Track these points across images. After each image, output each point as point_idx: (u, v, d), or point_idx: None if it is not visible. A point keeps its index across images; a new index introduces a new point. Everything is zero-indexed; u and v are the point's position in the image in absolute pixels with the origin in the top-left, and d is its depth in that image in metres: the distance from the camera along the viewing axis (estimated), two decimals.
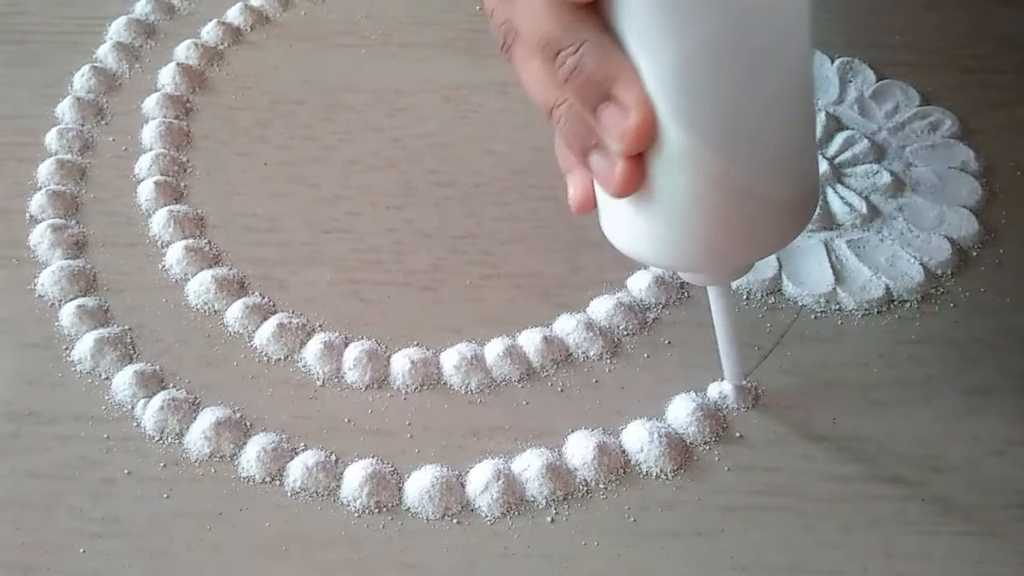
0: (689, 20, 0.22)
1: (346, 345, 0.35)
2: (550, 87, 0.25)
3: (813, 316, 0.36)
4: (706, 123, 0.24)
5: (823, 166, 0.40)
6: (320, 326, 0.36)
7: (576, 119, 0.25)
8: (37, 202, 0.39)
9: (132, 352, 0.35)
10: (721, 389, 0.34)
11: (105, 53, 0.46)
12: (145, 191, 0.40)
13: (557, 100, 0.25)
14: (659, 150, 0.24)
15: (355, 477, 0.31)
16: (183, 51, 0.46)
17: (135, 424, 0.33)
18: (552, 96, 0.25)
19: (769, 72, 0.24)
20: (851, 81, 0.45)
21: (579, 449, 0.32)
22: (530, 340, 0.35)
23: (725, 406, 0.34)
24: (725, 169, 0.24)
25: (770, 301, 0.37)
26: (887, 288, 0.37)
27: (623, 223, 0.27)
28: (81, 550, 0.30)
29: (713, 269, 0.28)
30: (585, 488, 0.32)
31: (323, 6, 0.49)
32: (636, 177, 0.25)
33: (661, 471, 0.32)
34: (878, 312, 0.36)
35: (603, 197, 0.27)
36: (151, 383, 0.34)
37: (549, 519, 0.31)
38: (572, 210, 0.29)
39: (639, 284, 0.37)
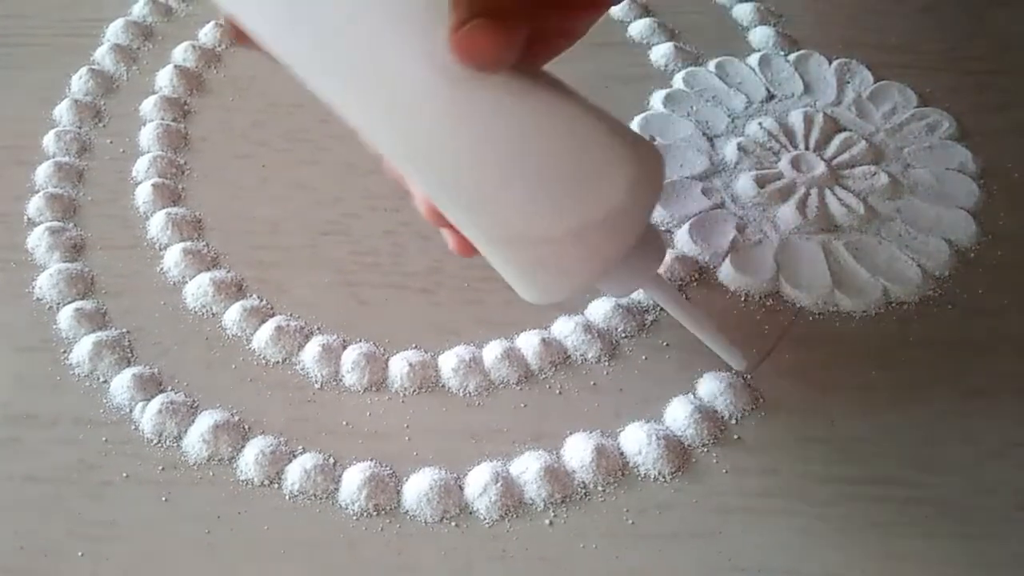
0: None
1: (344, 348, 0.35)
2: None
3: (811, 318, 0.36)
4: (437, 190, 0.26)
5: (820, 167, 0.40)
6: (318, 329, 0.36)
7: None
8: (35, 205, 0.39)
9: (130, 355, 0.35)
10: (714, 385, 0.34)
11: (103, 55, 0.46)
12: (143, 193, 0.40)
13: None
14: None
15: (353, 480, 0.31)
16: (181, 53, 0.46)
17: (133, 427, 0.33)
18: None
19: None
20: (849, 82, 0.45)
21: (577, 451, 0.32)
22: (528, 342, 0.35)
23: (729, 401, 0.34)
24: (477, 225, 0.26)
25: (768, 303, 0.37)
26: (885, 290, 0.37)
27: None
28: (80, 553, 0.30)
29: (552, 300, 0.27)
30: (583, 490, 0.32)
31: None
32: (460, 242, 0.28)
33: (659, 473, 0.32)
34: (876, 314, 0.36)
35: None
36: (149, 386, 0.34)
37: (547, 521, 0.31)
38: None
39: None
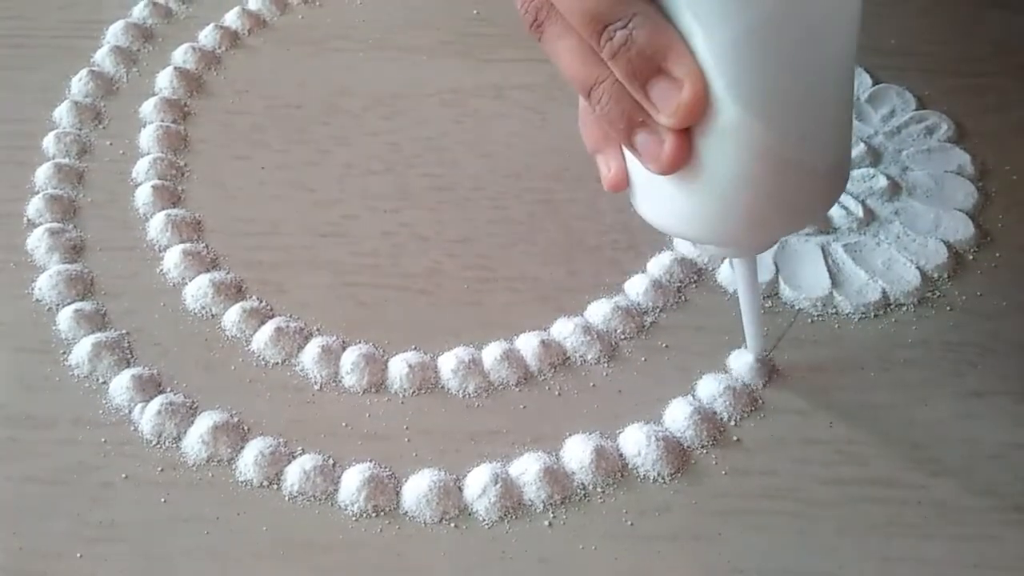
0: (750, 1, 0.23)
1: (344, 349, 0.35)
2: (590, 64, 0.25)
3: (810, 320, 0.36)
4: (758, 97, 0.24)
5: None
6: (318, 330, 0.36)
7: (620, 96, 0.25)
8: (35, 206, 0.39)
9: (130, 356, 0.35)
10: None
11: (103, 57, 0.46)
12: (143, 195, 0.40)
13: (599, 77, 0.25)
14: (708, 124, 0.24)
15: (353, 481, 0.31)
16: (181, 55, 0.46)
17: (132, 428, 0.33)
18: (593, 73, 0.25)
19: (821, 45, 0.24)
20: None
21: (577, 453, 0.32)
22: (528, 344, 0.35)
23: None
24: (775, 141, 0.25)
25: (767, 305, 0.37)
26: (884, 292, 0.37)
27: (660, 199, 0.27)
28: (78, 555, 0.30)
29: (751, 242, 0.29)
30: (583, 492, 0.32)
31: (320, 10, 0.49)
32: (685, 152, 0.25)
33: (658, 475, 0.32)
34: (875, 316, 0.36)
35: (638, 174, 0.27)
36: (149, 387, 0.34)
37: (547, 523, 0.31)
38: (606, 189, 0.28)
39: (636, 288, 0.37)
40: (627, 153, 0.27)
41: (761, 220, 0.27)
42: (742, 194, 0.26)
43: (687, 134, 0.25)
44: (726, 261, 0.38)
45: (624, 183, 0.28)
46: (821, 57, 0.25)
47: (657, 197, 0.27)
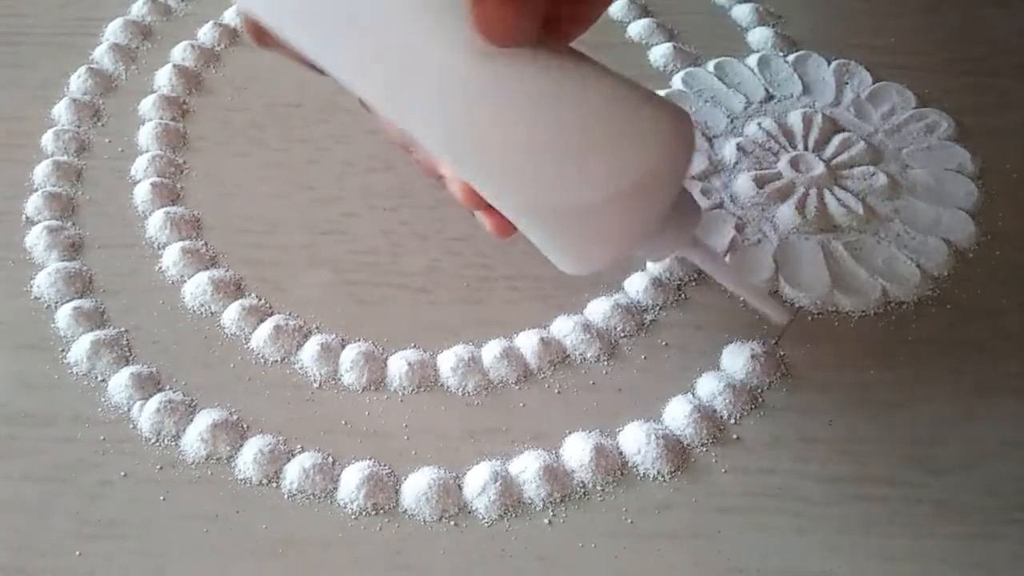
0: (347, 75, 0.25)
1: (343, 347, 0.35)
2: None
3: (810, 318, 0.36)
4: (468, 169, 0.26)
5: (819, 167, 0.40)
6: (317, 328, 0.36)
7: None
8: (33, 204, 0.39)
9: (128, 354, 0.35)
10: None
11: (101, 55, 0.46)
12: (141, 193, 0.40)
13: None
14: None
15: (352, 479, 0.31)
16: (179, 53, 0.46)
17: (132, 426, 0.33)
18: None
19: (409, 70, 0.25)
20: (847, 83, 0.45)
21: (576, 451, 0.32)
22: (527, 342, 0.35)
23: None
24: (515, 200, 0.26)
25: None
26: (884, 290, 0.37)
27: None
28: (77, 553, 0.30)
29: (590, 270, 0.28)
30: (582, 490, 0.32)
31: None
32: (498, 222, 0.29)
33: (658, 473, 0.32)
34: (875, 314, 0.36)
35: None
36: (148, 385, 0.34)
37: (546, 521, 0.31)
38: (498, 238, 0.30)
39: (636, 286, 0.37)
40: None
41: (581, 257, 0.27)
42: (544, 243, 0.27)
43: (491, 208, 0.28)
44: (726, 260, 0.38)
45: (507, 231, 0.29)
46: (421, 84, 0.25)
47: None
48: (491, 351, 0.35)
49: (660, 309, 0.37)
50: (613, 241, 0.26)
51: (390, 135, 0.30)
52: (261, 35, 0.27)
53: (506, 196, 0.26)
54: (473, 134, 0.25)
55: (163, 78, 0.45)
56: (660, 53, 0.47)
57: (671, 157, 0.25)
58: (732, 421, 0.33)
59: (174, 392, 0.34)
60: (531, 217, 0.27)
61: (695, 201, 0.29)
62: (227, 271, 0.37)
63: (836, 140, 0.42)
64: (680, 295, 0.37)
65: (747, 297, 0.33)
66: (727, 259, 0.37)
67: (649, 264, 0.38)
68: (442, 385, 0.34)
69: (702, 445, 0.33)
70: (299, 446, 0.33)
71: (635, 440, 0.32)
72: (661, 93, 0.40)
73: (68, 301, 0.36)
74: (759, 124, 0.42)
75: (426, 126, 0.26)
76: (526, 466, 0.32)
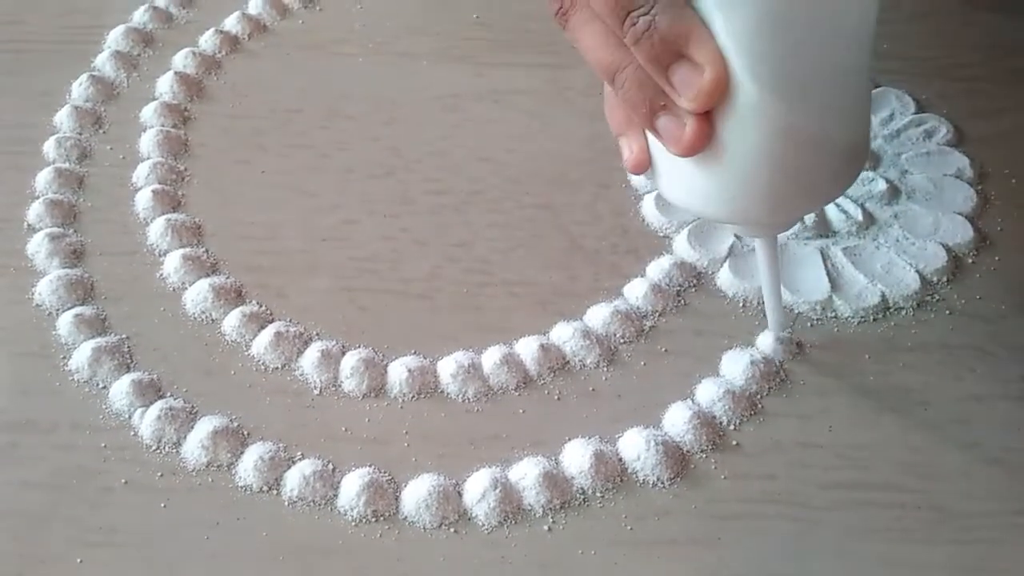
0: None
1: (343, 353, 0.35)
2: (614, 50, 0.26)
3: (809, 323, 0.36)
4: (777, 78, 0.25)
5: None
6: (317, 334, 0.36)
7: (643, 81, 0.26)
8: (35, 211, 0.39)
9: (129, 361, 0.35)
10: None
11: (103, 62, 0.46)
12: (143, 200, 0.40)
13: (622, 63, 0.26)
14: (729, 106, 0.25)
15: (352, 486, 0.31)
16: (181, 60, 0.46)
17: (132, 433, 0.33)
18: (616, 59, 0.26)
19: (838, 26, 0.25)
20: None
21: (576, 457, 0.32)
22: (527, 348, 0.35)
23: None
24: (795, 121, 0.26)
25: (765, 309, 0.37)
26: (883, 295, 0.37)
27: (683, 180, 0.28)
28: (78, 560, 0.30)
29: (772, 219, 0.30)
30: (582, 496, 0.32)
31: (321, 15, 0.49)
32: (706, 134, 0.25)
33: (658, 479, 0.32)
34: (874, 319, 0.36)
35: (660, 157, 0.28)
36: (148, 392, 0.34)
37: (546, 527, 0.31)
38: (628, 170, 0.29)
39: (636, 292, 0.37)
40: (650, 136, 0.28)
41: (782, 198, 0.28)
42: (762, 173, 0.27)
43: (708, 116, 0.26)
44: (725, 266, 0.38)
45: (645, 165, 0.28)
46: (838, 37, 0.25)
47: (679, 178, 0.28)
48: (491, 357, 0.35)
49: (659, 315, 0.37)
50: (820, 192, 0.29)
51: (615, 118, 0.29)
52: None
53: (799, 117, 0.26)
54: (813, 60, 0.25)
55: (164, 85, 0.45)
56: None
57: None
58: (732, 427, 0.33)
59: (175, 399, 0.34)
60: (786, 144, 0.26)
61: None
62: (228, 278, 0.38)
63: None
64: (680, 301, 0.37)
65: (769, 299, 0.34)
66: (728, 264, 0.38)
67: (649, 270, 0.38)
68: (442, 392, 0.34)
69: (702, 451, 0.33)
70: (299, 453, 0.33)
71: (635, 446, 0.32)
72: None
73: (69, 308, 0.36)
74: None
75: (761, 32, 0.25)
76: (526, 473, 0.32)
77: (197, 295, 0.37)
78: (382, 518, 0.31)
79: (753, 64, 0.25)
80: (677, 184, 0.28)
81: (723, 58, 0.24)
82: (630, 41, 0.25)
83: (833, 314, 0.36)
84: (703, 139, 0.26)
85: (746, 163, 0.26)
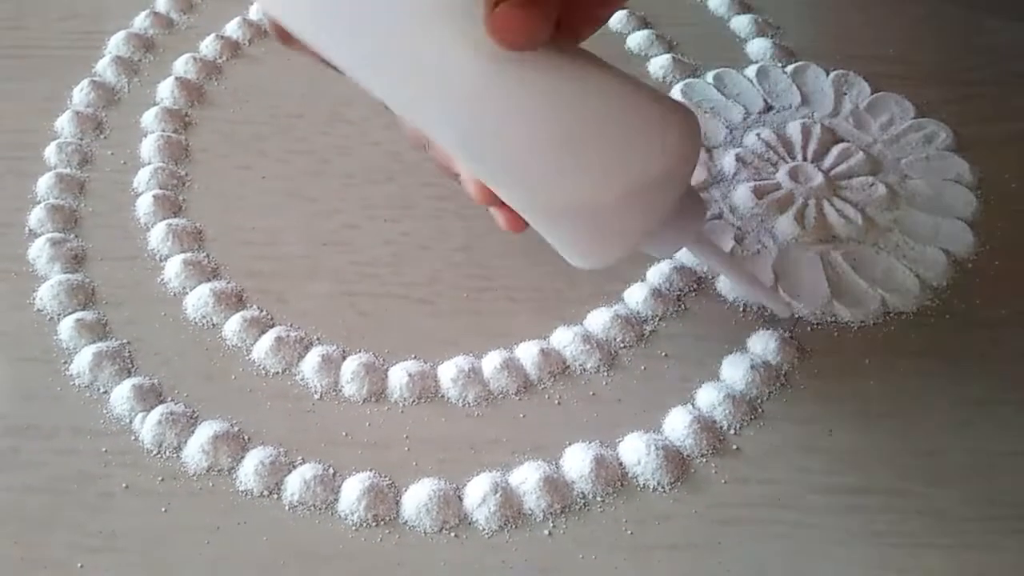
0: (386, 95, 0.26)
1: (344, 358, 0.35)
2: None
3: (809, 328, 0.36)
4: (486, 172, 0.27)
5: (818, 178, 0.40)
6: (318, 339, 0.36)
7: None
8: (36, 216, 0.39)
9: (130, 366, 0.35)
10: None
11: (104, 67, 0.46)
12: (144, 205, 0.40)
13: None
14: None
15: (353, 490, 0.31)
16: (182, 65, 0.46)
17: (133, 438, 0.33)
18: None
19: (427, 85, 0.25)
20: (846, 94, 0.45)
21: (576, 462, 0.32)
22: (527, 353, 0.35)
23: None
24: (528, 200, 0.27)
25: (766, 313, 0.37)
26: (883, 300, 0.37)
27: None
28: (79, 564, 0.30)
29: (600, 264, 0.29)
30: (582, 501, 0.32)
31: None
32: (511, 218, 0.30)
33: (658, 484, 0.32)
34: (874, 324, 0.36)
35: None
36: (149, 397, 0.34)
37: (547, 532, 0.31)
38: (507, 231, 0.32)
39: (636, 297, 0.37)
40: None
41: (590, 253, 0.29)
42: (556, 239, 0.29)
43: (504, 206, 0.29)
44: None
45: (519, 226, 0.31)
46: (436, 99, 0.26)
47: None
48: (491, 362, 0.35)
49: (660, 320, 0.37)
50: (623, 237, 0.28)
51: (407, 134, 0.31)
52: (285, 36, 0.27)
53: (518, 194, 0.27)
54: (486, 134, 0.26)
55: (165, 90, 0.45)
56: (659, 64, 0.47)
57: (679, 155, 0.26)
58: (732, 432, 0.33)
59: (176, 404, 0.34)
60: (542, 214, 0.27)
61: (700, 198, 0.30)
62: (229, 283, 0.38)
63: (835, 151, 0.42)
64: (680, 306, 0.37)
65: (752, 291, 0.34)
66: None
67: (649, 274, 0.38)
68: (442, 396, 0.34)
69: (702, 456, 0.33)
70: (300, 457, 0.33)
71: (635, 451, 0.32)
72: None
73: (70, 313, 0.36)
74: (758, 135, 0.43)
75: (441, 126, 0.26)
76: (526, 477, 0.32)
77: (198, 300, 0.37)
78: (383, 522, 0.31)
79: (472, 168, 0.27)
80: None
81: (469, 174, 0.28)
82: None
83: (833, 319, 0.37)
84: (512, 223, 0.30)
85: (553, 234, 0.28)
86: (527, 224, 0.29)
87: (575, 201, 0.26)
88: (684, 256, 0.38)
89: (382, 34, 0.25)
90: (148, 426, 0.33)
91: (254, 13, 0.49)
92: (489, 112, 0.25)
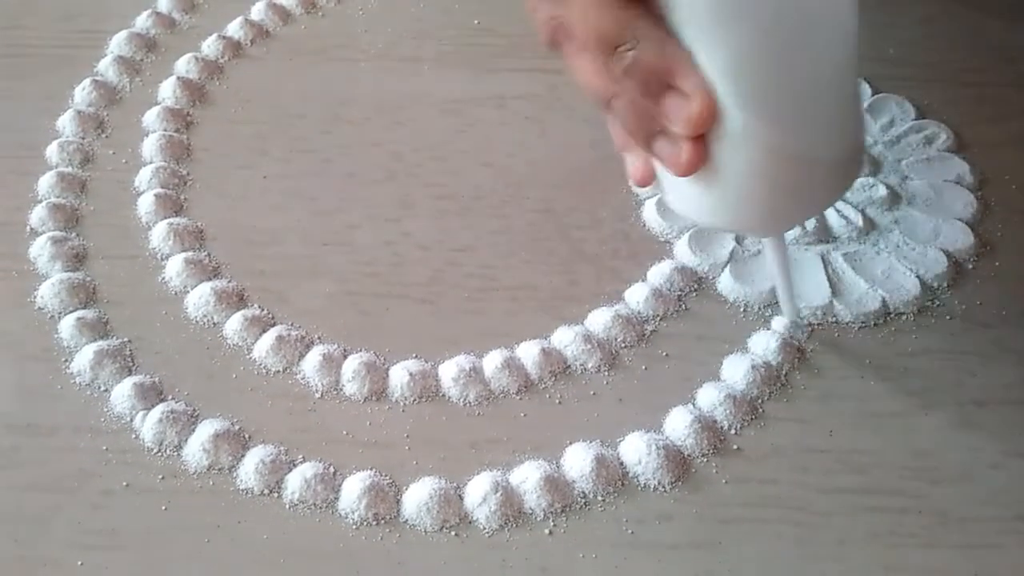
0: (744, 14, 0.24)
1: (345, 357, 0.35)
2: (606, 79, 0.26)
3: (810, 328, 0.36)
4: (763, 101, 0.26)
5: None
6: (319, 338, 0.36)
7: (636, 108, 0.26)
8: (37, 215, 0.40)
9: (131, 364, 0.35)
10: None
11: (106, 67, 0.46)
12: (145, 204, 0.40)
13: (614, 91, 0.26)
14: (720, 129, 0.26)
15: (353, 489, 0.31)
16: (184, 65, 0.46)
17: (134, 436, 0.33)
18: (609, 87, 0.26)
19: (818, 45, 0.26)
20: None
21: (577, 461, 0.32)
22: (528, 352, 0.35)
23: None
24: (782, 140, 0.27)
25: (767, 314, 0.37)
26: (883, 301, 0.37)
27: (686, 194, 0.29)
28: (79, 563, 0.30)
29: (770, 229, 0.32)
30: (583, 500, 0.32)
31: (323, 20, 0.50)
32: (700, 157, 0.26)
33: (659, 483, 0.32)
34: (874, 324, 0.37)
35: (663, 171, 0.29)
36: (150, 395, 0.34)
37: (547, 531, 0.31)
38: (633, 184, 0.30)
39: (637, 296, 0.37)
40: None
41: (778, 211, 0.29)
42: (758, 189, 0.28)
43: (702, 139, 0.26)
44: (726, 271, 0.38)
45: (649, 179, 0.29)
46: (819, 56, 0.26)
47: (683, 192, 0.29)
48: (492, 361, 0.35)
49: (661, 320, 0.37)
50: (814, 201, 0.30)
51: (617, 135, 0.29)
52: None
53: (778, 132, 0.27)
54: (793, 81, 0.26)
55: (167, 90, 0.45)
56: None
57: (864, 139, 0.30)
58: (733, 432, 0.33)
59: (176, 402, 0.34)
60: (780, 158, 0.27)
61: None
62: (230, 282, 0.38)
63: None
64: (680, 306, 0.37)
65: (781, 290, 0.35)
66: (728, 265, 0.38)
67: (650, 275, 0.38)
68: (443, 395, 0.34)
69: (703, 455, 0.33)
70: (300, 456, 0.33)
71: (636, 450, 0.32)
72: None
73: (71, 312, 0.36)
74: None
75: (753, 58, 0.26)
76: (527, 476, 0.32)
77: (199, 299, 0.37)
78: (383, 521, 0.31)
79: (738, 92, 0.25)
80: (681, 197, 0.30)
81: (708, 88, 0.25)
82: (619, 74, 0.25)
83: (834, 319, 0.37)
84: (698, 162, 0.26)
85: (741, 180, 0.27)
86: (654, 178, 0.29)
87: (812, 152, 0.27)
88: (684, 256, 0.38)
89: None
90: (149, 424, 0.33)
91: (256, 13, 0.49)
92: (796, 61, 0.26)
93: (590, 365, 0.35)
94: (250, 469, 0.32)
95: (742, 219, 0.30)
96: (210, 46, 0.48)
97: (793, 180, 0.28)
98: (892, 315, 0.37)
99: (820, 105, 0.27)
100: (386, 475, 0.32)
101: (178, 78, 0.45)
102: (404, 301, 0.37)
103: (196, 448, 0.32)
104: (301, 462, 0.32)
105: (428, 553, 0.30)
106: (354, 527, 0.31)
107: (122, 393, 0.34)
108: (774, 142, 0.26)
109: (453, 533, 0.31)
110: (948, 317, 0.37)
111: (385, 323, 0.37)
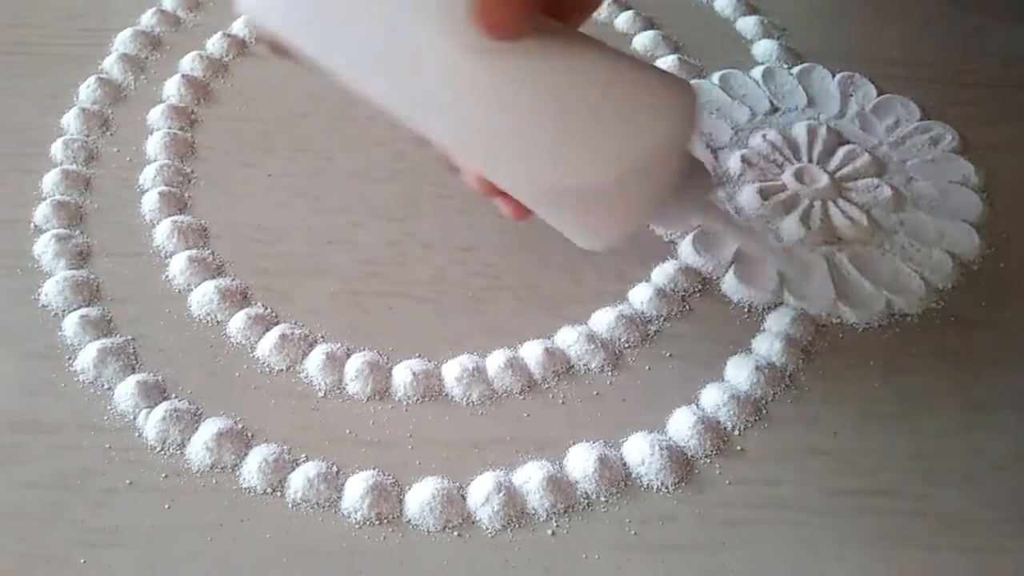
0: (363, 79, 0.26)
1: (348, 356, 0.35)
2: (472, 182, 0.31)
3: (815, 329, 0.36)
4: (478, 157, 0.27)
5: (823, 179, 0.40)
6: (322, 337, 0.36)
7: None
8: (42, 212, 0.40)
9: (135, 362, 0.35)
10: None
11: (111, 65, 0.46)
12: (149, 202, 0.40)
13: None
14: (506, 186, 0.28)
15: (356, 488, 0.31)
16: (188, 63, 0.46)
17: (137, 434, 0.33)
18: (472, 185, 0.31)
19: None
20: (852, 95, 0.45)
21: (580, 462, 0.32)
22: (531, 352, 0.35)
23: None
24: (521, 186, 0.27)
25: (770, 315, 0.37)
26: (888, 302, 0.37)
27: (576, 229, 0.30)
28: (82, 560, 0.30)
29: (624, 234, 0.29)
30: (586, 501, 0.32)
31: None
32: (515, 206, 0.30)
33: (662, 484, 0.32)
34: (879, 326, 0.36)
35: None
36: (153, 393, 0.34)
37: (550, 532, 0.31)
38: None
39: (640, 296, 0.37)
40: None
41: (598, 230, 0.28)
42: (559, 216, 0.28)
43: (508, 197, 0.29)
44: (730, 271, 0.38)
45: (523, 214, 0.31)
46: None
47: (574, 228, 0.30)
48: (495, 361, 0.35)
49: (664, 320, 0.37)
50: (626, 215, 0.28)
51: (409, 130, 0.31)
52: (277, 47, 0.27)
53: (517, 182, 0.27)
54: (480, 126, 0.26)
55: (172, 88, 0.45)
56: (665, 65, 0.47)
57: (672, 129, 0.26)
58: (736, 432, 0.33)
59: (180, 400, 0.34)
60: (544, 200, 0.27)
61: (706, 168, 0.29)
62: (233, 280, 0.38)
63: (841, 152, 0.42)
64: (684, 306, 0.37)
65: (770, 259, 0.34)
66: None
67: (654, 275, 0.38)
68: (446, 395, 0.34)
69: (706, 456, 0.33)
70: (304, 455, 0.33)
71: (639, 451, 0.32)
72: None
73: (75, 309, 0.36)
74: (764, 136, 0.42)
75: (435, 121, 0.27)
76: (530, 476, 0.32)
77: (203, 297, 0.37)
78: (386, 521, 0.31)
79: (458, 149, 0.27)
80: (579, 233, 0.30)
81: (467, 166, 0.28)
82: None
83: (839, 320, 0.36)
84: (516, 211, 0.30)
85: (555, 214, 0.28)
86: (531, 212, 0.29)
87: (573, 184, 0.26)
88: (689, 257, 0.38)
89: (367, 33, 0.25)
90: (152, 423, 0.33)
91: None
92: (480, 103, 0.25)
93: (593, 365, 0.35)
94: (253, 468, 0.32)
95: (584, 243, 0.29)
96: (215, 44, 0.48)
97: (580, 209, 0.27)
98: (897, 316, 0.37)
99: (523, 141, 0.26)
100: (389, 475, 0.32)
101: (183, 76, 0.45)
102: (407, 300, 0.37)
103: (199, 447, 0.32)
104: (304, 461, 0.32)
105: (431, 553, 0.30)
106: (357, 527, 0.31)
107: (125, 391, 0.34)
108: (524, 191, 0.27)
109: (456, 533, 0.31)
110: (953, 319, 0.37)
111: (388, 322, 0.37)
